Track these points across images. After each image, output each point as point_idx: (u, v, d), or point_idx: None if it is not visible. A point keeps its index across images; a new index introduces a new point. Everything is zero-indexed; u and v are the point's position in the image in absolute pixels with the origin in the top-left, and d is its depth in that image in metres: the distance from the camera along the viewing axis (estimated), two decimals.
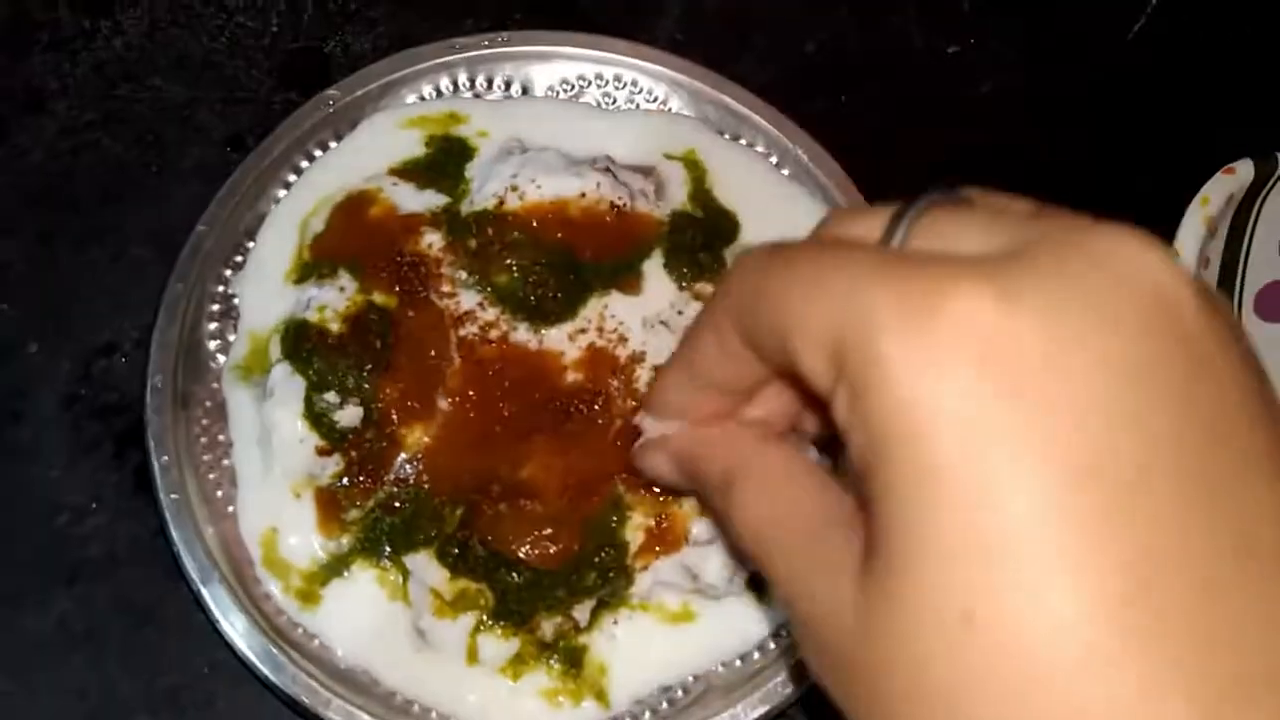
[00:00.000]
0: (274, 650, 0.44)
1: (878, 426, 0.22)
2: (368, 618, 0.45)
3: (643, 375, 0.47)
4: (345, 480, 0.45)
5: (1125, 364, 0.21)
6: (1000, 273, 0.22)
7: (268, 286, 0.48)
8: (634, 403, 0.46)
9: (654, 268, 0.49)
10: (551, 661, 0.45)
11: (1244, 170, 0.52)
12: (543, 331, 0.47)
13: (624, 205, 0.49)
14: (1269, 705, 0.20)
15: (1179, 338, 0.21)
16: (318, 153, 0.51)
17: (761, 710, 0.44)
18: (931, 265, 0.23)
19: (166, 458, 0.45)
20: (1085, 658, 0.20)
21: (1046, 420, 0.20)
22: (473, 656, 0.44)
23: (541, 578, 0.44)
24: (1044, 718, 0.20)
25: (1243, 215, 0.53)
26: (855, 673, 0.23)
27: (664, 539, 0.45)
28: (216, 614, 0.44)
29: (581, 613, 0.44)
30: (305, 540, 0.45)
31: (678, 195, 0.51)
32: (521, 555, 0.43)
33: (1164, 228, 0.53)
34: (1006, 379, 0.21)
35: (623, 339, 0.47)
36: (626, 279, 0.49)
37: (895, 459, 0.22)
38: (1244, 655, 0.20)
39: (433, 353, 0.46)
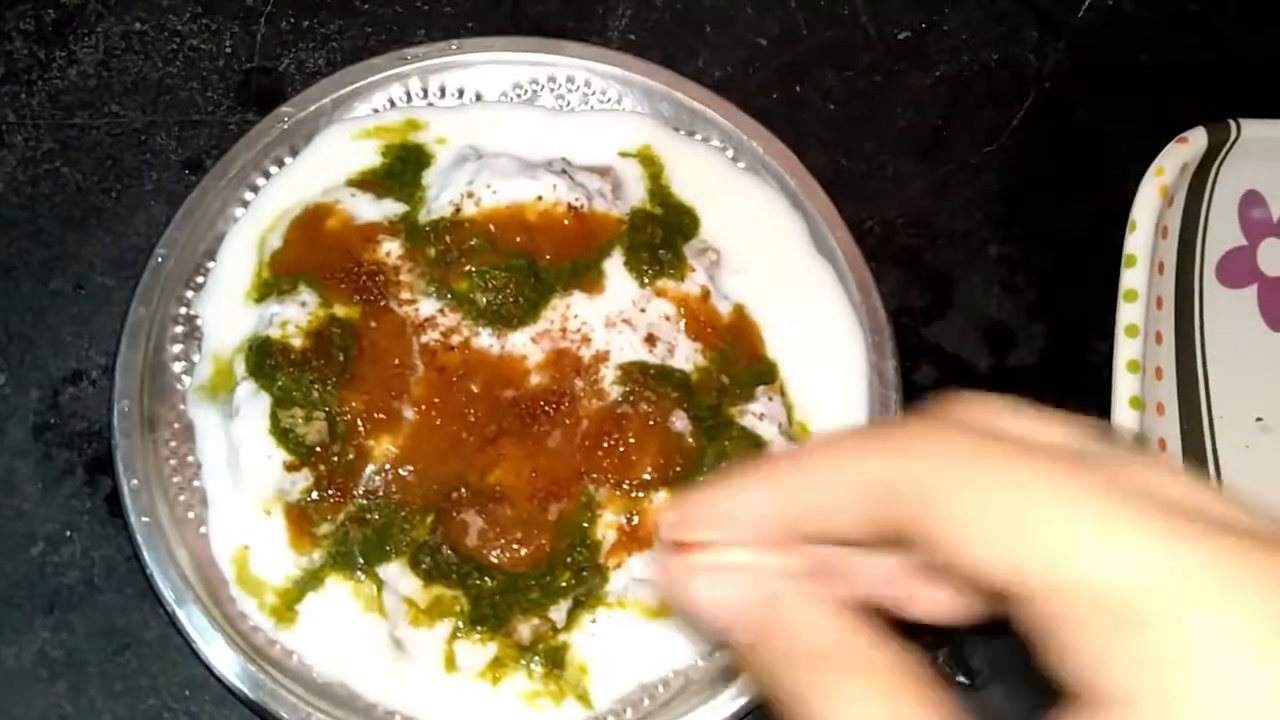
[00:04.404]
0: (252, 668, 0.44)
1: (1138, 663, 0.22)
2: (344, 630, 0.45)
3: (607, 374, 0.47)
4: (315, 495, 0.45)
5: None
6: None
7: (229, 306, 0.48)
8: (599, 402, 0.46)
9: (615, 266, 0.49)
10: (532, 664, 0.45)
11: (1197, 139, 0.52)
12: (505, 335, 0.47)
13: (581, 206, 0.49)
14: None
15: None
16: (274, 170, 0.51)
17: (741, 702, 0.44)
18: (1204, 531, 0.23)
19: (136, 481, 0.46)
20: None
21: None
22: (451, 663, 0.44)
23: (515, 580, 0.44)
24: None
25: (1199, 184, 0.54)
26: None
27: (635, 536, 0.45)
28: (193, 635, 0.44)
29: (558, 613, 0.44)
30: (278, 557, 0.45)
31: (636, 193, 0.51)
32: (493, 559, 0.43)
33: (1120, 198, 0.53)
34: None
35: (586, 339, 0.48)
36: (588, 279, 0.49)
37: (1154, 687, 0.22)
38: None
39: (396, 361, 0.46)
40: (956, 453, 0.24)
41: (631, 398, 0.46)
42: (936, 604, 0.27)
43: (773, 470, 0.27)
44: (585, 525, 0.45)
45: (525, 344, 0.47)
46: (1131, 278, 0.50)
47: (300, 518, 0.45)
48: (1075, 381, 0.55)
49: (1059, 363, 0.55)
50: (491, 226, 0.48)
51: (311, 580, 0.45)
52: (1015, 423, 0.25)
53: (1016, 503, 0.23)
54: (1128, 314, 0.50)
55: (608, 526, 0.45)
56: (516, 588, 0.44)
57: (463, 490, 0.44)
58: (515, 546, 0.43)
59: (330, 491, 0.45)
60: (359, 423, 0.45)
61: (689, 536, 0.26)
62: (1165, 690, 0.22)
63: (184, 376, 0.48)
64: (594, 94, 0.54)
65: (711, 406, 0.47)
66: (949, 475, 0.24)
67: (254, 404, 0.45)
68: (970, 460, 0.24)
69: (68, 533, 0.49)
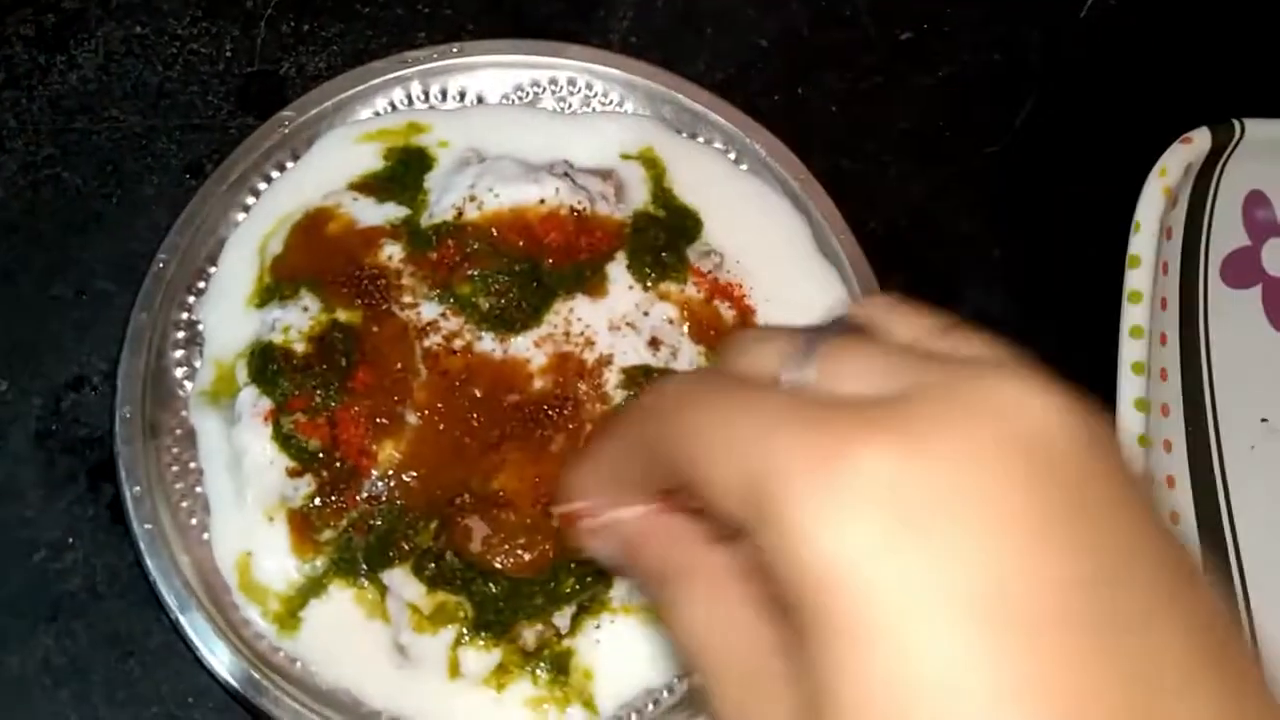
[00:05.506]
0: (256, 675, 0.43)
1: (796, 575, 0.22)
2: (347, 637, 0.44)
3: (611, 378, 0.47)
4: (318, 501, 0.45)
5: (1018, 515, 0.21)
6: (897, 423, 0.22)
7: (231, 311, 0.48)
8: (603, 406, 0.46)
9: (618, 270, 0.49)
10: (537, 670, 0.44)
11: (1201, 139, 0.52)
12: (508, 339, 0.47)
13: (584, 209, 0.49)
14: None
15: (1066, 488, 0.22)
16: (275, 174, 0.51)
17: None
18: (836, 415, 0.23)
19: (139, 488, 0.45)
20: None
21: (956, 572, 0.21)
22: (455, 670, 0.44)
23: (519, 586, 0.44)
24: None
25: (1203, 184, 0.53)
26: None
27: None
28: (196, 642, 0.44)
29: (562, 619, 0.44)
30: (280, 563, 0.45)
31: (638, 196, 0.51)
32: (497, 565, 0.43)
33: (1124, 199, 0.53)
34: (911, 532, 0.21)
35: (589, 342, 0.47)
36: (591, 283, 0.48)
37: (813, 608, 0.22)
38: None
39: (399, 366, 0.46)
40: (686, 411, 0.26)
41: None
42: None
43: (592, 451, 0.31)
44: None
45: (528, 348, 0.47)
46: (1136, 279, 0.50)
47: (303, 524, 0.45)
48: (1080, 384, 0.54)
49: (1063, 365, 0.55)
50: (494, 230, 0.48)
51: (315, 587, 0.45)
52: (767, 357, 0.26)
53: (715, 436, 0.25)
54: (1132, 315, 0.50)
55: None
56: (520, 594, 0.44)
57: (466, 496, 0.44)
58: (519, 552, 0.43)
59: (333, 497, 0.45)
60: (361, 428, 0.45)
61: (570, 510, 0.32)
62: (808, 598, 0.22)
63: (186, 382, 0.48)
64: (596, 96, 0.54)
65: None
66: (680, 429, 0.26)
67: (256, 409, 0.45)
68: (694, 410, 0.26)
69: (70, 540, 0.49)
